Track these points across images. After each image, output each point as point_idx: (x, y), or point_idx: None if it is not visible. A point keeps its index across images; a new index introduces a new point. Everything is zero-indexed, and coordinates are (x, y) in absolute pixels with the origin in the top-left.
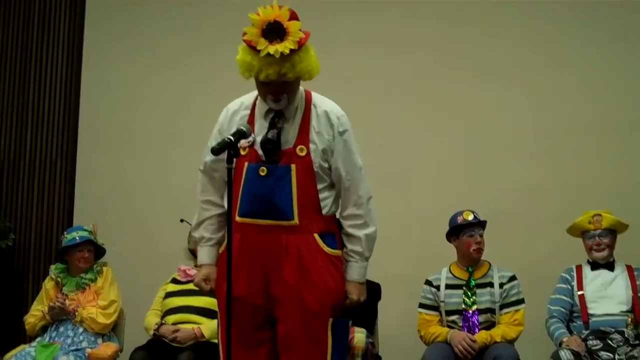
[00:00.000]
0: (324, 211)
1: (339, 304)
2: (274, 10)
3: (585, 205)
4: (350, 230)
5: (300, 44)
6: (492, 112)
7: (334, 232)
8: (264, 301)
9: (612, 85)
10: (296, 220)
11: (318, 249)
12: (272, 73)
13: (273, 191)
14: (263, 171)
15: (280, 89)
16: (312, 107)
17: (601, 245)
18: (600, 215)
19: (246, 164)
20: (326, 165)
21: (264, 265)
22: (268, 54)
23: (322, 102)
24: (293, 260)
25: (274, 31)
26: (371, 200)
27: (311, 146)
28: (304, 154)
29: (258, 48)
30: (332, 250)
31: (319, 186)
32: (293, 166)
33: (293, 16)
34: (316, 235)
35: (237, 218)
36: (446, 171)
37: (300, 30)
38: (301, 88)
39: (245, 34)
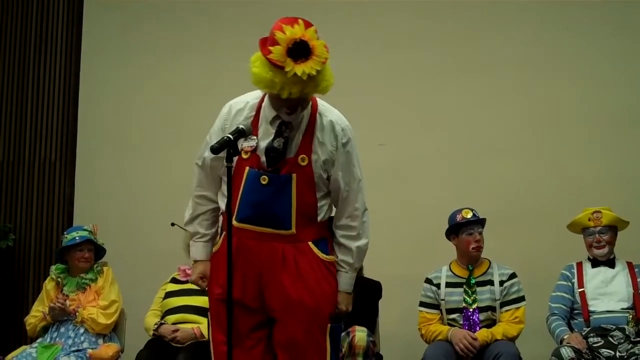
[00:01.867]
0: (319, 217)
1: (334, 310)
2: (300, 29)
3: (586, 201)
4: (343, 241)
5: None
6: (492, 108)
7: (327, 237)
8: (258, 305)
9: (611, 81)
10: (293, 230)
11: (314, 256)
12: (296, 92)
13: (273, 200)
14: (264, 180)
15: (297, 103)
16: (318, 115)
17: (601, 242)
18: (600, 212)
19: (247, 168)
20: (325, 175)
21: (259, 271)
22: (295, 74)
23: (328, 112)
24: (291, 269)
25: (299, 50)
26: (366, 213)
27: (313, 157)
28: (305, 163)
29: (286, 69)
30: (327, 257)
31: (317, 194)
32: (294, 176)
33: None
34: (311, 243)
35: (234, 222)
36: (446, 169)
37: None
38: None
39: (270, 51)
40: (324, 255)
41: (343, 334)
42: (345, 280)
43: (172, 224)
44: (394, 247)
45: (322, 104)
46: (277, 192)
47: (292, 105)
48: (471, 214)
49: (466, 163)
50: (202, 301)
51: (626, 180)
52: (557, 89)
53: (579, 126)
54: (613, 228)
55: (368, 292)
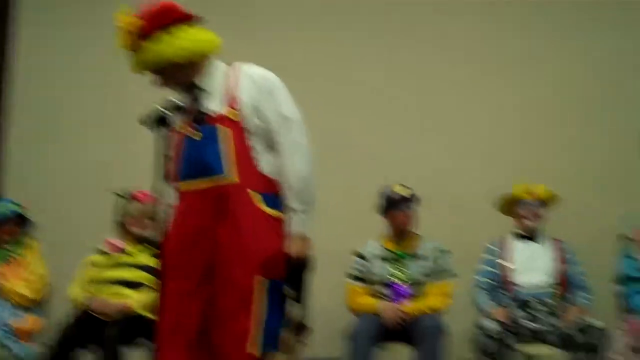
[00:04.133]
0: (265, 172)
1: (271, 265)
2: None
3: (513, 181)
4: (282, 182)
5: (136, 40)
6: (425, 85)
7: (276, 194)
8: (206, 262)
9: (549, 64)
10: (230, 177)
11: (253, 206)
12: (133, 68)
13: (203, 150)
14: (193, 134)
15: (155, 78)
16: (234, 72)
17: (535, 216)
18: (536, 186)
19: (182, 139)
20: (258, 122)
21: (203, 225)
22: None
23: (245, 67)
24: (225, 215)
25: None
26: (301, 147)
27: (238, 106)
28: (234, 116)
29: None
30: (270, 210)
31: (256, 146)
32: (224, 127)
33: (145, 15)
34: (252, 192)
35: (178, 185)
36: (378, 144)
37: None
38: (221, 62)
39: None
40: (267, 208)
41: None
42: (297, 224)
43: (115, 194)
44: (325, 220)
45: (240, 64)
46: (206, 142)
47: (154, 81)
48: (403, 190)
49: (400, 139)
50: (130, 274)
51: (553, 160)
52: (494, 70)
53: (509, 107)
54: (545, 204)
55: (297, 265)
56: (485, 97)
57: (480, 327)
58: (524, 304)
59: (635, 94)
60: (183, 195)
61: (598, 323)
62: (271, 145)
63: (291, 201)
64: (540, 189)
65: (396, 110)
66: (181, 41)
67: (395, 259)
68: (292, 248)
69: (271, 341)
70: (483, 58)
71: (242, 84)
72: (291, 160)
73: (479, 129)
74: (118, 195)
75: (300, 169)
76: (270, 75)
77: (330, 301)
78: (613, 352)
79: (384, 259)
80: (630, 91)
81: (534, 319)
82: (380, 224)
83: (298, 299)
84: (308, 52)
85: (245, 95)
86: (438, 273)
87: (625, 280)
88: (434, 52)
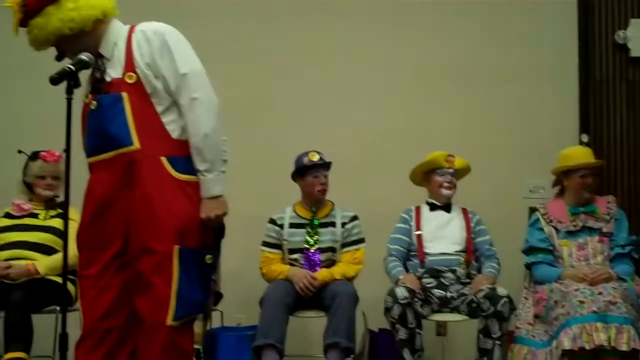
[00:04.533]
0: (173, 135)
1: (188, 232)
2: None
3: (426, 150)
4: (189, 142)
5: (24, 17)
6: (344, 54)
7: (189, 156)
8: (122, 237)
9: (458, 31)
10: (136, 145)
11: (165, 174)
12: (31, 46)
13: (106, 121)
14: (93, 105)
15: (57, 51)
16: (132, 34)
17: (452, 184)
18: (453, 156)
19: (87, 110)
20: (156, 82)
21: (113, 193)
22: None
23: (141, 25)
24: (136, 186)
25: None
26: (202, 103)
27: (137, 71)
28: (132, 80)
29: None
30: (182, 175)
31: (159, 108)
32: (123, 93)
33: None
34: (163, 159)
35: (87, 159)
36: (295, 110)
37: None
38: (122, 26)
39: None
40: (179, 174)
41: None
42: (205, 186)
43: (19, 151)
44: (239, 186)
45: (139, 24)
46: (108, 112)
47: (57, 55)
48: (318, 157)
49: (316, 106)
50: (37, 237)
51: (466, 131)
52: (408, 40)
53: (427, 77)
54: (460, 174)
55: (210, 229)
56: (403, 66)
57: (391, 294)
58: (433, 272)
59: (545, 61)
60: (92, 166)
61: (504, 291)
62: (176, 105)
63: (197, 162)
64: (457, 159)
65: (318, 77)
66: (67, 12)
67: (308, 225)
68: (204, 212)
69: (188, 309)
70: (393, 27)
71: (136, 43)
72: (192, 118)
73: (394, 99)
74: (23, 154)
75: (203, 126)
76: (163, 29)
77: (243, 267)
78: (519, 320)
79: (297, 225)
80: (538, 59)
81: (443, 286)
82: (294, 191)
83: (212, 264)
84: (233, 12)
85: (139, 55)
86: (349, 240)
87: (531, 250)
88: (356, 20)
